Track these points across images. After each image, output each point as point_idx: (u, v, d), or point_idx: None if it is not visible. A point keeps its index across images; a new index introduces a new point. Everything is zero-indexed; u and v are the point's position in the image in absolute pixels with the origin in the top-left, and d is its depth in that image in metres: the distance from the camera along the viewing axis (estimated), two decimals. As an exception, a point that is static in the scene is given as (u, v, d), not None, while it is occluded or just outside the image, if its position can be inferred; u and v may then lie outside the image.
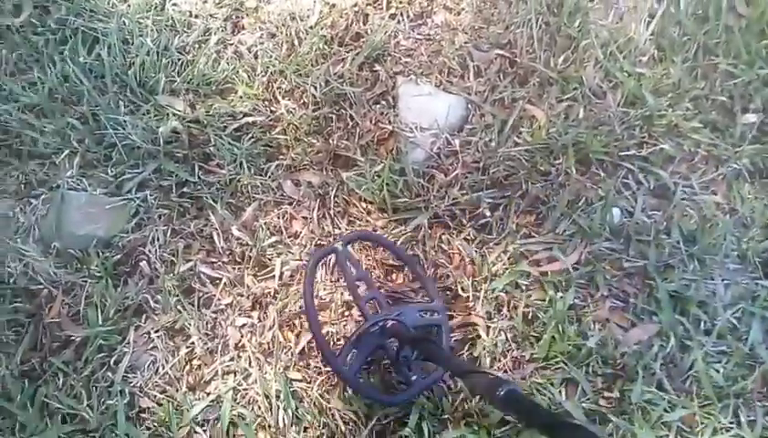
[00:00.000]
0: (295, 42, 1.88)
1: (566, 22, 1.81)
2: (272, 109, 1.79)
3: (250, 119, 1.76)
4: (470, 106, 1.70)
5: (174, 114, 1.73)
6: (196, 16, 1.97)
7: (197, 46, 1.90)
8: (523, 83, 1.75)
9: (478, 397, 1.39)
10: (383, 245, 1.62)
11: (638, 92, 1.72)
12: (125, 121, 1.68)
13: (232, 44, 1.92)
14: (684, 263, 1.52)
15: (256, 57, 1.87)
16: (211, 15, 1.98)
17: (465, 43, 1.81)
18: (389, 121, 1.68)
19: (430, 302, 1.50)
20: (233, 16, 1.99)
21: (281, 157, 1.71)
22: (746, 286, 1.51)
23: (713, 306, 1.47)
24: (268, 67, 1.84)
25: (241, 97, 1.78)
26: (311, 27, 1.89)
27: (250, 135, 1.73)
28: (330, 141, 1.72)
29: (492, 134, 1.65)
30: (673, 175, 1.63)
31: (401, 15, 1.89)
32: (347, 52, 1.83)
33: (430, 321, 1.48)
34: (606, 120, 1.65)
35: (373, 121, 1.72)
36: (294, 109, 1.77)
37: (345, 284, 1.52)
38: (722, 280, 1.51)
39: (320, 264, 1.54)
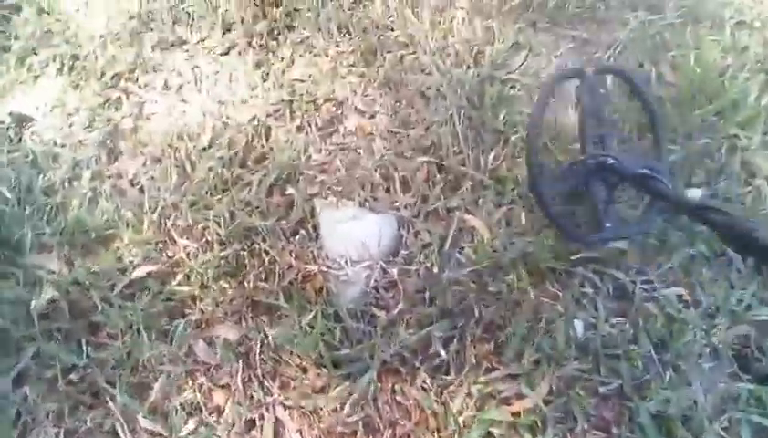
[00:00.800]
0: (187, 167, 1.80)
1: (490, 115, 1.86)
2: (168, 253, 1.70)
3: (143, 271, 1.66)
4: (401, 224, 1.69)
5: (48, 279, 1.59)
6: (62, 146, 1.87)
7: (67, 184, 1.78)
8: (455, 189, 1.78)
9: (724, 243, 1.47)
10: (634, 88, 1.85)
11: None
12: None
13: (109, 176, 1.83)
14: (660, 374, 1.56)
15: (141, 191, 1.77)
16: (80, 143, 1.88)
17: (386, 150, 1.81)
18: (313, 257, 1.63)
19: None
20: (107, 141, 1.89)
21: (187, 312, 1.62)
22: (726, 386, 1.56)
23: (698, 419, 1.50)
24: (158, 202, 1.75)
25: (128, 244, 1.66)
26: (204, 149, 1.82)
27: (145, 291, 1.62)
28: (245, 285, 1.65)
29: (432, 256, 1.64)
30: (629, 273, 1.68)
31: (308, 124, 1.88)
32: (252, 175, 1.78)
33: (649, 173, 1.55)
34: (547, 223, 1.69)
35: (294, 255, 1.67)
36: (195, 250, 1.68)
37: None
38: (701, 385, 1.55)
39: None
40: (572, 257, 1.71)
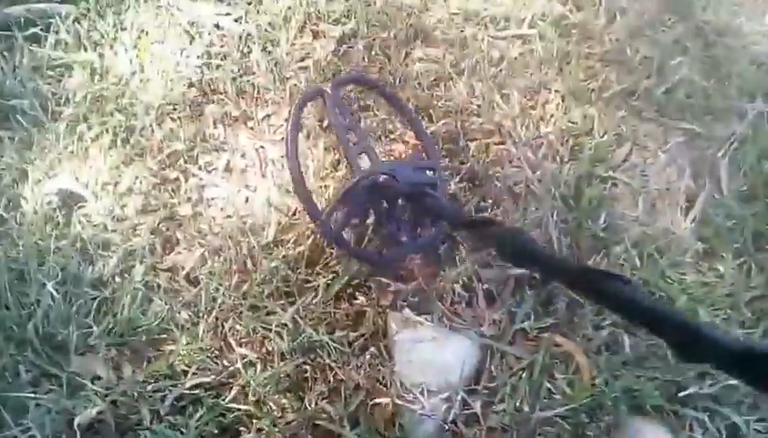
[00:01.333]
0: (249, 264, 1.78)
1: (589, 218, 1.79)
2: (224, 361, 1.67)
3: (196, 382, 1.62)
4: (484, 346, 1.62)
5: (95, 388, 1.57)
6: (113, 231, 1.86)
7: (118, 277, 1.77)
8: (547, 306, 1.69)
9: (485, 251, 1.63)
10: (379, 91, 1.96)
11: (687, 306, 1.68)
12: (27, 406, 1.53)
13: (164, 269, 1.81)
14: None
15: (199, 288, 1.75)
16: (133, 229, 1.88)
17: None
18: (385, 382, 1.57)
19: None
20: (163, 228, 1.89)
21: (241, 430, 1.57)
22: None
23: None
24: (215, 300, 1.72)
25: (181, 354, 1.64)
26: (268, 246, 1.80)
27: (197, 404, 1.59)
28: (306, 403, 1.60)
29: (520, 387, 1.56)
30: (741, 409, 1.60)
31: (382, 223, 1.83)
32: (319, 279, 1.74)
33: (425, 179, 1.72)
34: (656, 349, 1.61)
35: (363, 375, 1.61)
36: (254, 360, 1.64)
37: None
38: None
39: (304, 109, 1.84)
40: (680, 394, 1.61)
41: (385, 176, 1.67)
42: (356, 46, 2.29)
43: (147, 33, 2.41)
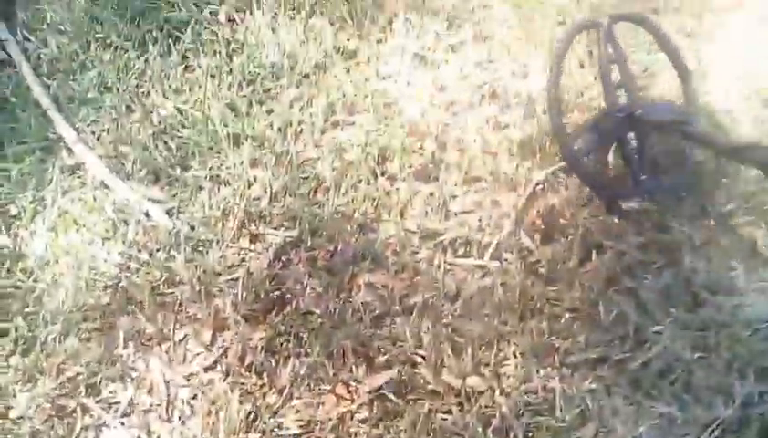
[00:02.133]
0: None
1: None
2: None
3: None
4: None
5: None
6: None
7: None
8: None
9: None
10: (654, 34, 2.11)
11: None
12: None
13: None
14: None
15: None
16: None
17: None
18: None
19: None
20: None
21: None
22: None
23: None
24: None
25: None
26: None
27: None
28: None
29: None
30: None
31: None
32: None
33: (681, 117, 1.88)
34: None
35: None
36: None
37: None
38: None
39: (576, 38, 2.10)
40: None
41: (641, 111, 1.85)
42: (296, 258, 2.03)
43: (67, 214, 2.15)
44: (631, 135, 1.89)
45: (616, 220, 2.06)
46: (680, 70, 2.10)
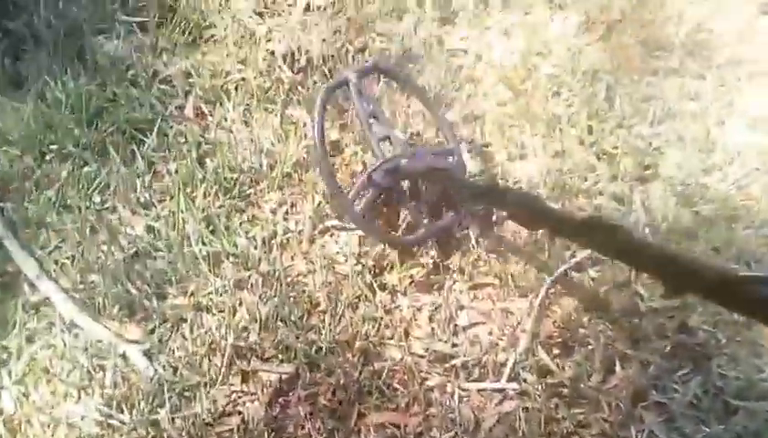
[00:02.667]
0: None
1: None
2: None
3: None
4: None
5: None
6: None
7: None
8: None
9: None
10: (400, 80, 2.29)
11: None
12: None
13: None
14: None
15: None
16: None
17: None
18: None
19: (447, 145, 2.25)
20: None
21: None
22: None
23: None
24: None
25: None
26: None
27: None
28: None
29: None
30: None
31: None
32: None
33: (445, 164, 2.07)
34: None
35: None
36: None
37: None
38: None
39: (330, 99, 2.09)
40: None
41: (405, 160, 1.97)
42: (294, 398, 1.84)
43: (35, 362, 1.93)
44: (401, 185, 2.07)
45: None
46: (429, 108, 2.32)
